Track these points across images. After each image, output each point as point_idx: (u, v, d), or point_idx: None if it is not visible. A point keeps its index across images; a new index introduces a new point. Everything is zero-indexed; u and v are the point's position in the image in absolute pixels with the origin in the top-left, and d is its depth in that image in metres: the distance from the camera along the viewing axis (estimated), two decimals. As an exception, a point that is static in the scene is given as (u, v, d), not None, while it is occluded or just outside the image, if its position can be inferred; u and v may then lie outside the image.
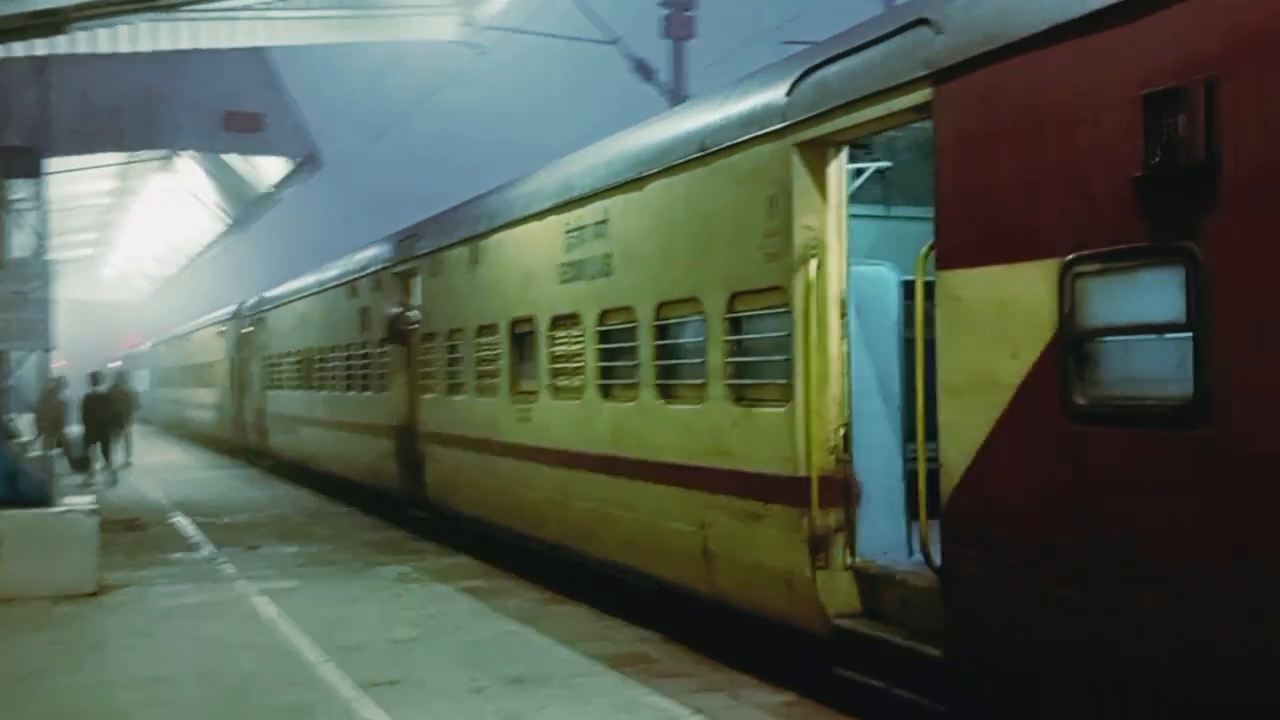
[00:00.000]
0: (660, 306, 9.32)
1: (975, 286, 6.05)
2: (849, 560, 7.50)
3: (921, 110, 6.48)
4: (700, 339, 8.73)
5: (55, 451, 22.08)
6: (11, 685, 8.04)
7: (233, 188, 28.58)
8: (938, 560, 6.50)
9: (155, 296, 52.13)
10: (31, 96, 20.39)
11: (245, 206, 29.06)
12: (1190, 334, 4.89)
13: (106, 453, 23.99)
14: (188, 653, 8.86)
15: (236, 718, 7.37)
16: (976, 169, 6.05)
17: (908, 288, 7.22)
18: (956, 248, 6.21)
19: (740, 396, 8.30)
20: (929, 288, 6.52)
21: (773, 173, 7.76)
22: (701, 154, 8.66)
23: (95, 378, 24.88)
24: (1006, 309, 5.83)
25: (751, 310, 8.16)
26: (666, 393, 9.31)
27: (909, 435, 7.24)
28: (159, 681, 8.04)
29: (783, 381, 7.76)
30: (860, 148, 7.97)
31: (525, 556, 12.25)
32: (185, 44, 14.84)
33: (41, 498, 11.55)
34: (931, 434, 6.49)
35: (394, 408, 16.44)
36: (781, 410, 7.76)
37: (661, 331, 9.34)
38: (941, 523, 6.39)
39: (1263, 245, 4.59)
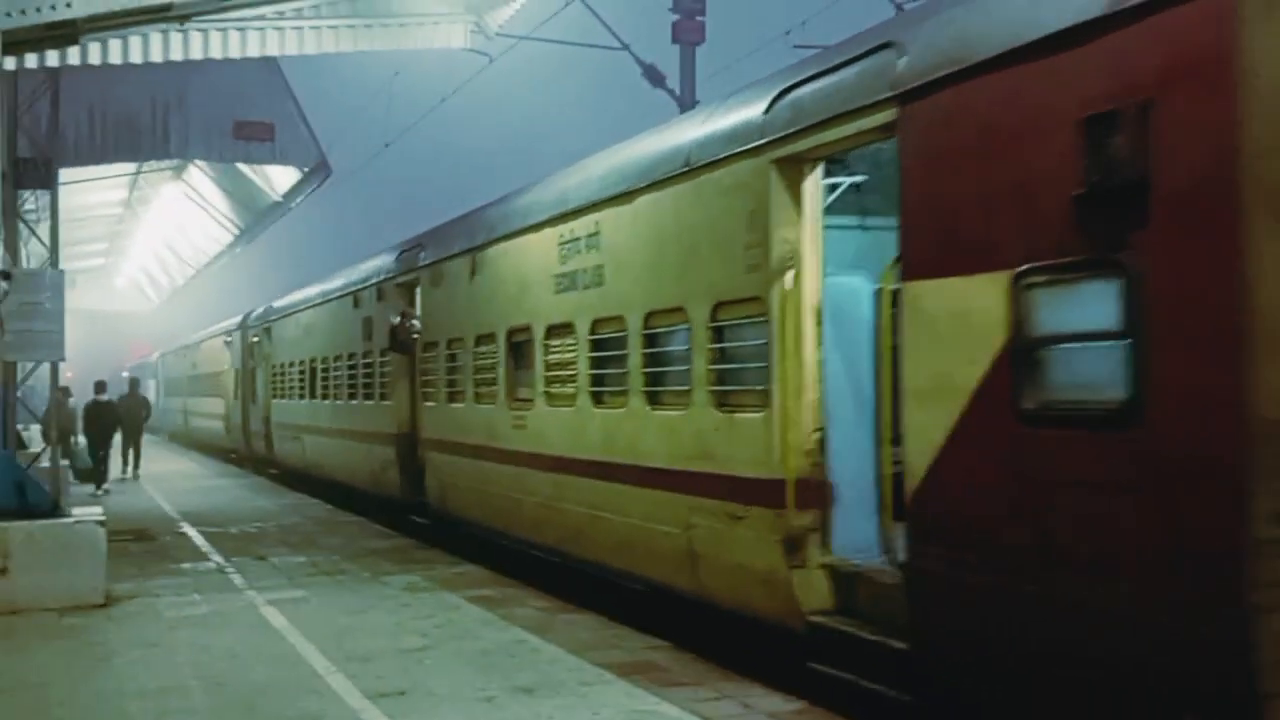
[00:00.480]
0: (649, 316, 9.67)
1: (936, 297, 6.40)
2: (824, 559, 7.82)
3: (887, 129, 6.83)
4: (686, 347, 9.07)
5: (64, 462, 22.48)
6: (21, 696, 8.02)
7: (243, 197, 28.86)
8: (903, 558, 6.83)
9: (166, 306, 52.42)
10: (44, 107, 20.77)
11: (256, 215, 29.26)
12: (1126, 341, 5.23)
13: (105, 461, 24.15)
14: (197, 663, 8.80)
15: (246, 729, 7.36)
16: (936, 186, 6.40)
17: (884, 297, 7.55)
18: (919, 260, 6.56)
19: (722, 402, 8.64)
20: (897, 297, 6.86)
21: (752, 187, 8.12)
22: (686, 169, 9.03)
23: (100, 386, 25.12)
24: (964, 318, 6.17)
25: (733, 319, 8.51)
26: (654, 399, 9.65)
27: (883, 439, 7.57)
28: (168, 692, 8.00)
29: (761, 388, 8.10)
30: (836, 163, 8.31)
31: (534, 565, 12.34)
32: (196, 54, 14.94)
33: (50, 508, 11.44)
34: (899, 438, 6.83)
35: (396, 416, 16.81)
36: (760, 416, 8.10)
37: (650, 340, 9.69)
38: (905, 522, 6.73)
39: (1188, 259, 4.93)
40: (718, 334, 8.69)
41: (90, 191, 28.01)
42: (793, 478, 7.81)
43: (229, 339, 32.76)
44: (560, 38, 21.22)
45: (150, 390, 50.31)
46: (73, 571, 10.98)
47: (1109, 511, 5.33)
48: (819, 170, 7.88)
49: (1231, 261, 4.77)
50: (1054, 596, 5.63)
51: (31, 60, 14.26)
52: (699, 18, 20.96)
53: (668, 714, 7.27)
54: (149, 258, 43.31)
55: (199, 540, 15.91)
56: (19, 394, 15.42)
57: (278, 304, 26.65)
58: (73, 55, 14.20)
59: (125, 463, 26.29)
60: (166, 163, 26.66)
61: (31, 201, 22.53)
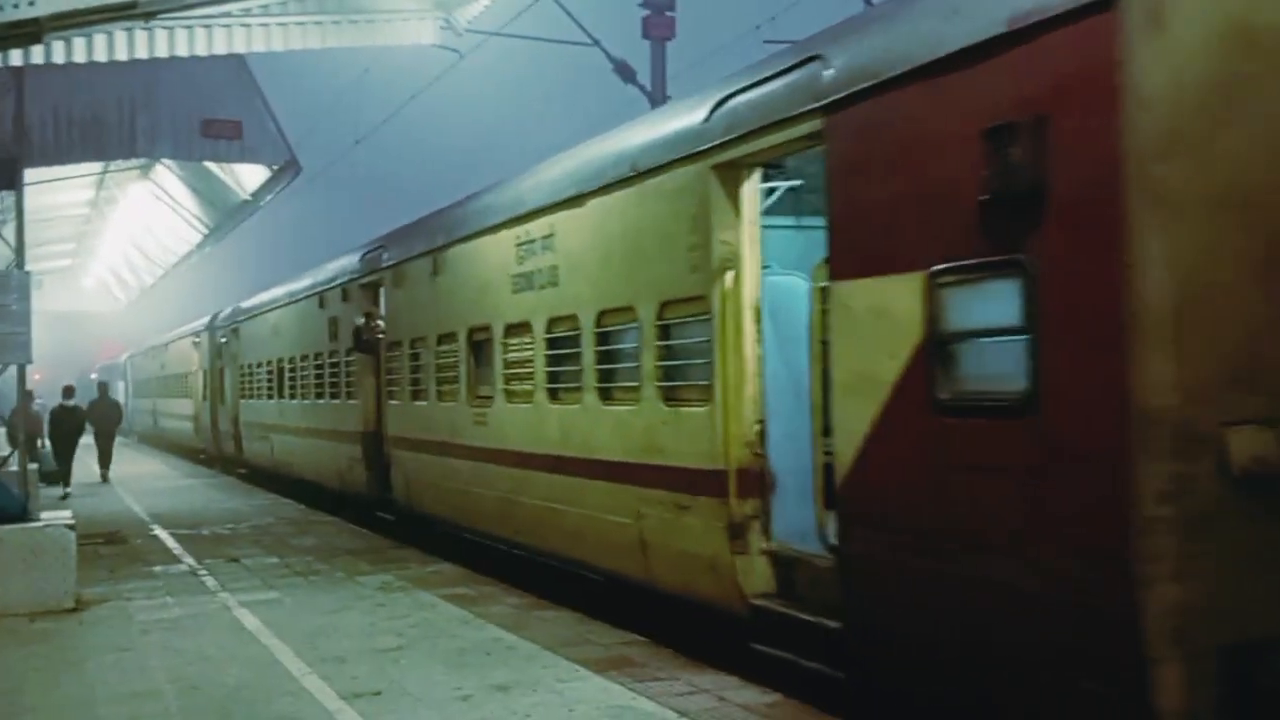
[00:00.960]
0: (600, 315, 10.03)
1: (860, 296, 6.80)
2: (765, 545, 8.22)
3: (815, 138, 7.23)
4: (635, 345, 9.45)
5: (32, 466, 22.38)
6: None
7: (212, 195, 28.73)
8: (834, 543, 7.24)
9: (135, 306, 52.26)
10: (8, 107, 20.64)
11: (224, 214, 29.11)
12: (1025, 336, 5.64)
13: (69, 464, 24.14)
14: (170, 667, 8.71)
15: (220, 732, 7.40)
16: (858, 191, 6.80)
17: (816, 295, 7.95)
18: (844, 261, 6.96)
19: (669, 397, 9.03)
20: (827, 295, 7.26)
21: (694, 192, 8.51)
22: (633, 174, 9.40)
23: (69, 391, 25.15)
24: (884, 315, 6.57)
25: (678, 318, 8.90)
26: (606, 395, 10.02)
27: (823, 430, 7.97)
28: (141, 697, 7.93)
29: (705, 383, 8.49)
30: (775, 167, 8.70)
31: (508, 563, 12.40)
32: (162, 52, 14.84)
33: (19, 512, 11.32)
34: (830, 429, 7.23)
35: (362, 415, 17.12)
36: (704, 409, 8.49)
37: (602, 338, 10.05)
38: (836, 508, 7.13)
39: (1077, 260, 5.35)
40: (664, 332, 9.07)
41: (57, 191, 27.80)
42: (734, 468, 8.20)
43: (197, 340, 32.91)
44: (530, 33, 21.12)
45: (119, 392, 50.31)
46: (42, 576, 10.90)
47: (1013, 495, 5.75)
48: (756, 175, 8.27)
49: (1116, 261, 5.19)
50: (965, 575, 6.05)
51: None
52: (669, 13, 21.02)
53: (644, 709, 7.32)
54: (117, 258, 43.15)
55: (170, 542, 15.86)
56: None
57: (245, 304, 26.86)
58: (37, 54, 14.09)
59: (102, 467, 26.35)
60: (134, 162, 26.45)
61: None
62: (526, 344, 11.50)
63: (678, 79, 20.97)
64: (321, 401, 19.57)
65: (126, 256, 42.31)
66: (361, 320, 16.59)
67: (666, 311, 9.02)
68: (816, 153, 7.36)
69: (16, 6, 10.96)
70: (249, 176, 25.53)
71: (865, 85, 6.67)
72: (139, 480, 26.81)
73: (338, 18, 15.27)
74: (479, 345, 12.82)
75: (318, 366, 19.76)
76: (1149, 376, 5.16)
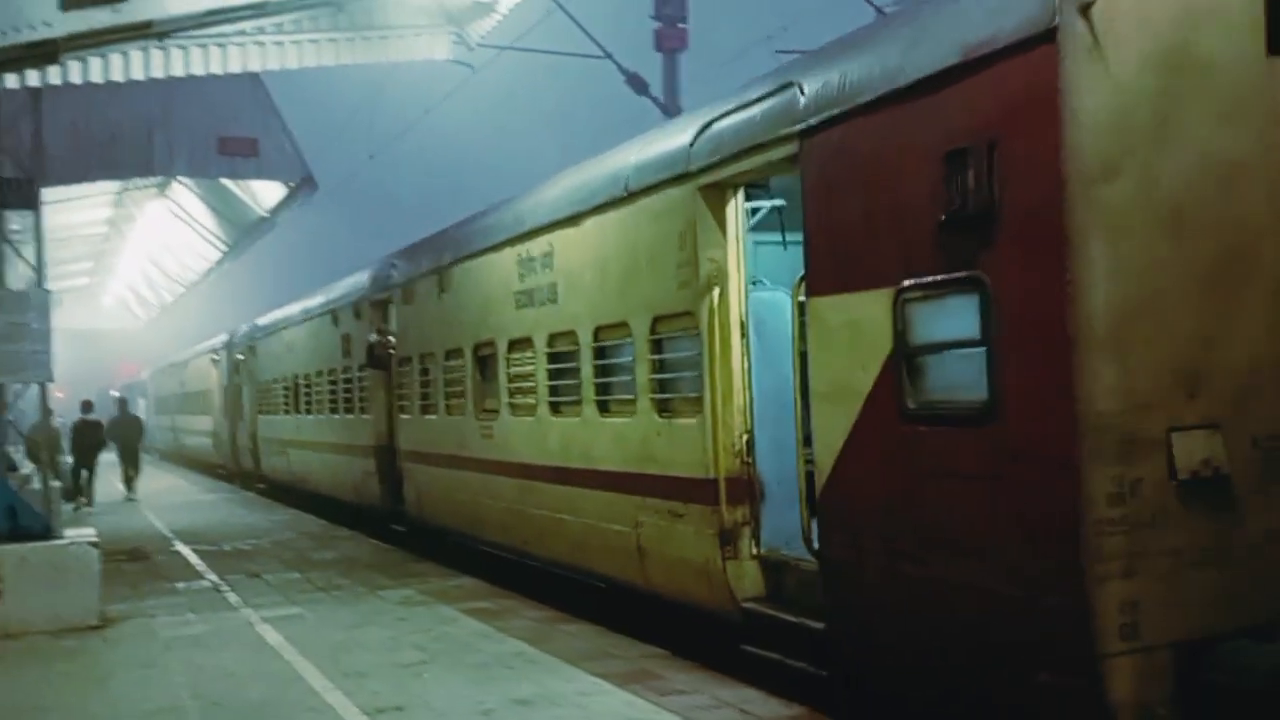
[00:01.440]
0: (597, 330, 10.38)
1: (835, 311, 7.13)
2: (755, 551, 8.55)
3: (792, 161, 7.57)
4: (630, 359, 9.80)
5: (55, 484, 22.42)
6: None
7: (229, 212, 28.91)
8: (817, 547, 7.56)
9: (154, 323, 52.78)
10: (26, 127, 20.95)
11: (242, 231, 29.23)
12: (983, 348, 5.97)
13: (90, 480, 24.47)
14: (193, 683, 8.72)
15: (244, 748, 7.46)
16: (831, 211, 7.14)
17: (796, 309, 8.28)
18: (820, 278, 7.30)
19: (663, 409, 9.37)
20: (805, 309, 7.60)
21: (682, 212, 8.86)
22: (626, 194, 9.76)
23: (87, 406, 25.52)
24: (857, 329, 6.91)
25: (669, 333, 9.24)
26: (604, 408, 10.37)
27: (805, 440, 8.30)
28: (165, 713, 7.97)
29: (695, 395, 8.83)
30: (759, 187, 9.04)
31: (529, 576, 12.40)
32: (178, 71, 14.84)
33: (42, 530, 11.36)
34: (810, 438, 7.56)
35: (374, 429, 17.53)
36: (694, 421, 8.83)
37: (599, 352, 10.40)
38: (817, 513, 7.46)
39: (1027, 275, 5.68)
40: (656, 346, 9.42)
41: (74, 210, 27.98)
42: (724, 476, 8.54)
43: (216, 357, 33.41)
44: (543, 47, 21.11)
45: (140, 409, 50.87)
46: (66, 593, 10.94)
47: (976, 498, 6.07)
48: (740, 195, 8.61)
49: (1061, 277, 5.51)
50: (934, 577, 6.37)
51: (12, 80, 14.20)
52: (681, 25, 20.95)
53: None
54: (136, 275, 43.48)
55: (193, 558, 15.91)
56: (9, 416, 15.51)
57: (261, 322, 27.33)
58: (53, 74, 14.21)
59: (127, 484, 26.27)
60: (151, 180, 26.54)
61: (15, 222, 22.88)
62: (529, 359, 11.86)
63: (690, 90, 20.91)
64: (336, 416, 19.99)
65: (145, 274, 42.73)
66: (374, 338, 16.98)
67: (658, 327, 9.36)
68: (795, 174, 7.69)
69: (33, 27, 11.18)
70: (265, 193, 25.64)
71: (835, 111, 7.02)
72: (161, 496, 27.06)
73: (351, 34, 15.33)
74: (484, 360, 13.18)
75: (331, 382, 20.17)
76: (1095, 385, 5.48)
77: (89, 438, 24.57)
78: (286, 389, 24.04)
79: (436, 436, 14.79)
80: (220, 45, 14.87)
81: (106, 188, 26.97)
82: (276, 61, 15.38)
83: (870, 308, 6.76)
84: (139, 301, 49.41)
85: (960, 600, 6.21)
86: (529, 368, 11.88)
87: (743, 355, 8.58)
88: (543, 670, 8.71)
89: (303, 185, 23.58)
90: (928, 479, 6.39)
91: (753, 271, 9.26)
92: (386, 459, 17.10)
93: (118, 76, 14.67)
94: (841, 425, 7.08)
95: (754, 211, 9.12)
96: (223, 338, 32.72)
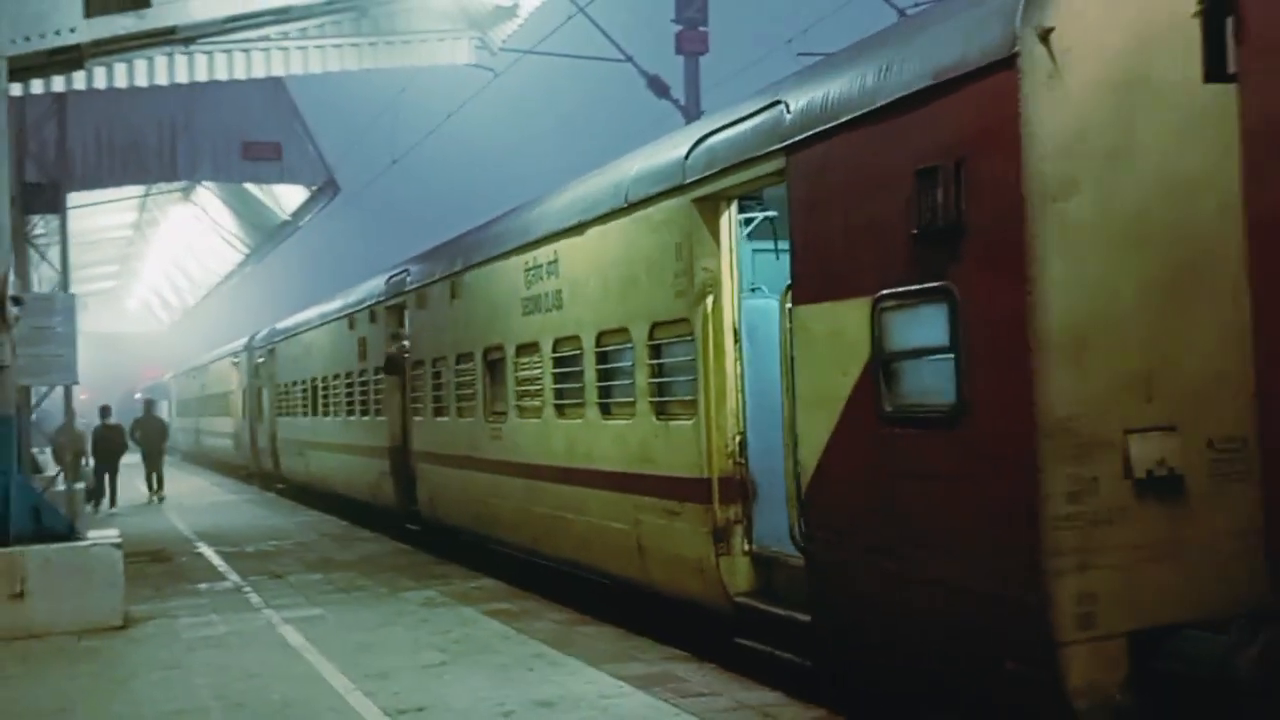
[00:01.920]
0: (600, 335, 10.76)
1: (818, 319, 7.49)
2: (747, 547, 8.91)
3: (779, 175, 7.93)
4: (630, 363, 10.18)
5: (79, 485, 21.79)
6: None
7: (252, 216, 29.28)
8: (801, 543, 7.92)
9: (178, 326, 53.29)
10: (50, 132, 20.69)
11: (265, 234, 29.61)
12: (952, 355, 6.32)
13: (114, 484, 24.86)
14: (216, 684, 8.77)
15: (266, 749, 7.51)
16: (815, 224, 7.50)
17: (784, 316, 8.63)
18: (804, 287, 7.66)
19: (660, 412, 9.74)
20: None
21: (678, 222, 9.24)
22: (626, 205, 10.14)
23: (105, 411, 25.85)
24: (838, 336, 7.26)
25: (667, 338, 9.62)
26: (606, 410, 10.75)
27: (794, 441, 8.64)
28: (187, 714, 8.02)
29: (690, 398, 9.20)
30: (753, 199, 9.40)
31: (550, 578, 12.48)
32: (202, 76, 15.12)
33: (66, 532, 11.42)
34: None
35: (389, 430, 17.97)
36: (690, 423, 9.20)
37: (601, 357, 10.78)
38: (802, 512, 7.82)
39: (991, 287, 6.03)
40: (655, 351, 9.79)
41: (99, 215, 28.41)
42: (717, 476, 8.91)
43: (236, 360, 33.95)
44: (564, 51, 21.31)
45: (163, 411, 51.34)
46: (90, 594, 10.98)
47: (946, 497, 6.42)
48: (733, 207, 8.98)
49: (1022, 287, 5.85)
50: (907, 570, 6.72)
51: (37, 85, 14.56)
52: (701, 28, 21.20)
53: None
54: (160, 279, 43.86)
55: (215, 560, 16.02)
56: (33, 418, 15.73)
57: (281, 326, 27.83)
58: (78, 80, 14.42)
59: (150, 487, 26.34)
60: (175, 184, 26.91)
61: (41, 226, 23.14)
62: (535, 363, 12.25)
63: (711, 93, 21.06)
64: (352, 418, 20.44)
65: (169, 277, 43.18)
66: (394, 346, 17.41)
67: (656, 332, 9.73)
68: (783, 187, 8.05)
69: (59, 33, 11.37)
70: (288, 197, 25.98)
71: (818, 129, 7.38)
72: (183, 497, 27.22)
73: (374, 39, 15.54)
74: (493, 364, 13.58)
75: (348, 385, 20.62)
76: (1053, 390, 5.82)
77: (110, 442, 24.90)
78: (304, 391, 24.52)
79: (448, 438, 15.19)
80: (244, 50, 15.07)
81: (131, 192, 27.32)
82: (299, 66, 15.56)
83: (850, 316, 7.12)
84: (162, 305, 49.95)
85: (932, 593, 6.56)
86: (535, 371, 12.26)
87: (735, 360, 8.94)
88: (564, 672, 8.73)
89: (325, 189, 23.95)
90: (902, 479, 6.74)
91: (751, 279, 9.64)
92: (400, 460, 17.53)
93: (142, 82, 14.92)
94: (824, 427, 7.44)
95: (748, 221, 9.48)
96: (243, 341, 33.25)
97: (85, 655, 10.03)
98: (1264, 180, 4.75)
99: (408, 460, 17.26)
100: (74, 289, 21.91)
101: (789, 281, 8.24)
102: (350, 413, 20.57)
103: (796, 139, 7.63)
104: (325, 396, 22.63)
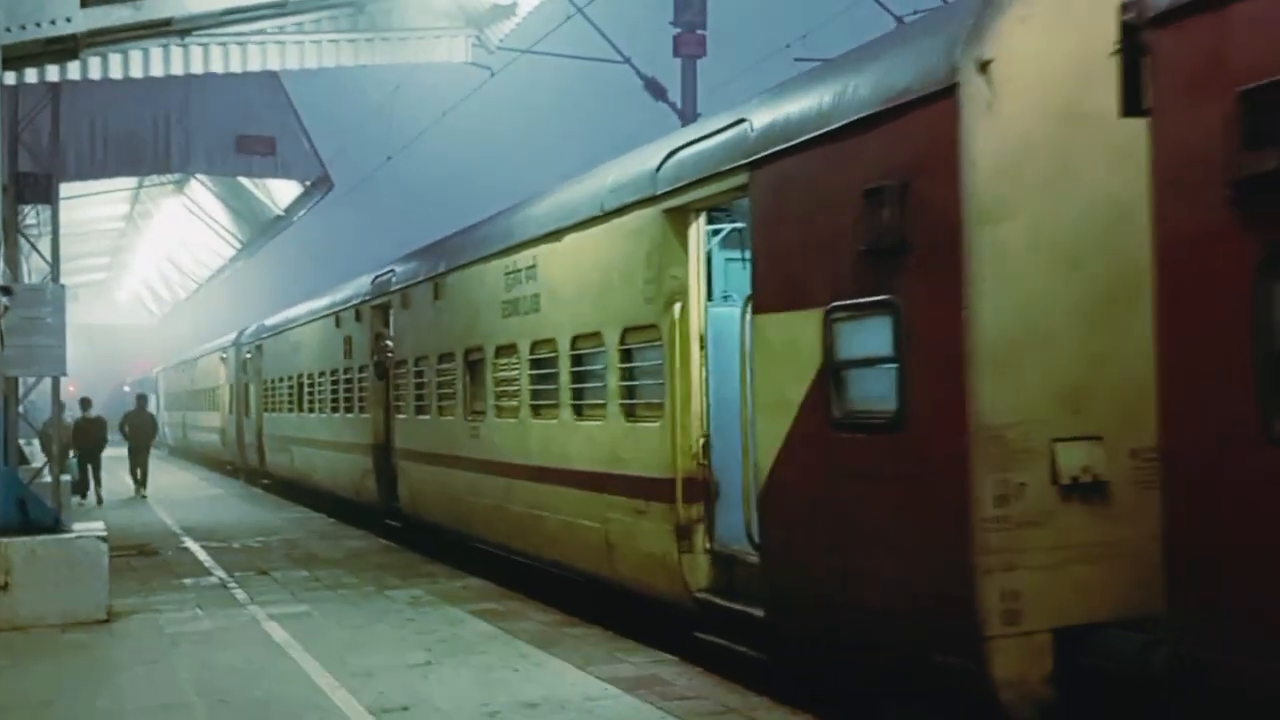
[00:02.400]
0: (575, 339, 11.13)
1: (775, 328, 7.88)
2: (708, 545, 9.28)
3: (742, 190, 8.32)
4: (602, 366, 10.55)
5: (66, 478, 22.40)
6: (22, 714, 7.98)
7: (245, 211, 29.10)
8: (757, 541, 8.30)
9: (168, 320, 53.31)
10: (44, 123, 20.64)
11: (258, 229, 29.38)
12: (894, 365, 6.70)
13: (97, 478, 24.80)
14: (199, 680, 8.72)
15: (249, 745, 7.47)
16: (774, 237, 7.89)
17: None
18: (763, 297, 8.05)
19: (630, 413, 10.12)
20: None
21: (648, 232, 9.62)
22: (602, 213, 10.52)
23: (85, 403, 25.80)
24: (793, 345, 7.64)
25: (637, 343, 10.00)
26: (579, 411, 11.12)
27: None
28: (171, 709, 7.97)
29: (658, 401, 9.58)
30: (722, 210, 9.78)
31: (538, 579, 12.51)
32: (197, 69, 15.00)
33: (52, 524, 11.34)
34: (756, 442, 8.30)
35: (372, 428, 18.33)
36: (657, 425, 9.57)
37: (575, 360, 11.15)
38: (757, 511, 8.21)
39: (929, 301, 6.42)
40: (626, 355, 10.17)
41: (91, 206, 28.17)
42: (681, 477, 9.28)
43: (224, 355, 34.24)
44: (562, 51, 21.23)
45: (150, 404, 51.36)
46: (75, 587, 10.90)
47: (886, 498, 6.81)
48: (702, 218, 9.36)
49: (958, 303, 6.24)
50: (851, 567, 7.10)
51: (31, 75, 14.32)
52: (700, 31, 21.21)
53: None
54: (151, 272, 43.69)
55: (201, 555, 15.95)
56: (21, 409, 15.64)
57: (268, 322, 28.15)
58: (73, 70, 14.28)
59: (135, 480, 26.18)
60: (168, 177, 26.61)
61: (32, 216, 23.20)
62: (513, 364, 12.62)
63: (709, 96, 21.01)
64: (336, 415, 20.78)
65: (160, 271, 43.23)
66: (380, 350, 17.75)
67: (628, 337, 10.11)
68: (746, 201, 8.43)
69: (54, 23, 11.26)
70: (282, 192, 25.69)
71: (778, 148, 7.77)
72: (170, 491, 27.12)
73: (371, 35, 15.44)
74: (474, 365, 13.94)
75: (333, 382, 20.97)
76: (984, 400, 6.21)
77: (90, 435, 24.77)
78: (291, 388, 24.85)
79: (429, 436, 15.55)
80: (240, 44, 14.96)
81: (124, 184, 27.12)
82: (296, 61, 15.43)
83: (804, 326, 7.50)
84: (154, 298, 49.93)
85: (873, 589, 6.94)
86: (513, 373, 12.63)
87: (701, 365, 9.32)
88: (550, 673, 8.71)
89: (319, 184, 23.64)
90: (848, 480, 7.12)
91: (724, 287, 10.03)
92: (383, 457, 17.88)
93: (137, 73, 14.76)
94: (779, 431, 7.82)
95: (716, 232, 9.86)
96: (231, 337, 33.54)
97: (69, 648, 10.01)
98: (1169, 210, 5.13)
99: (390, 457, 17.61)
100: (65, 280, 21.77)
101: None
102: (335, 410, 20.91)
103: (758, 156, 8.02)
104: (311, 393, 22.97)
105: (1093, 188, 6.40)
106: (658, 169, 9.51)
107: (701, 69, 21.62)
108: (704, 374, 9.33)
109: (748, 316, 8.49)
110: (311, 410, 22.95)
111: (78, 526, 11.88)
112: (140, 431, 26.57)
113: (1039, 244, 6.33)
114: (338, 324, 20.56)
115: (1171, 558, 5.19)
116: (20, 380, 17.41)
